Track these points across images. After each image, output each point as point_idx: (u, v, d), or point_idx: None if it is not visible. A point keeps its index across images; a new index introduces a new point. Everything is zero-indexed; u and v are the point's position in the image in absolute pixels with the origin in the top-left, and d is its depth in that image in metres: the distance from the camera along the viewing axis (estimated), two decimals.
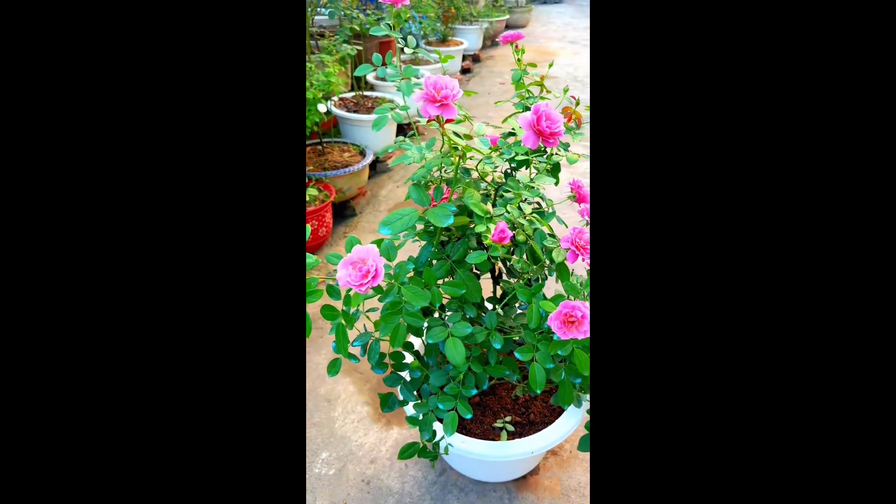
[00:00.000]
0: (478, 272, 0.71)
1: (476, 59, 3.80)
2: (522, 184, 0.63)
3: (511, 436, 0.87)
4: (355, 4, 2.29)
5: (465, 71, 3.52)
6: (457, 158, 0.55)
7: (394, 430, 1.14)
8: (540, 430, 0.87)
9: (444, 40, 3.29)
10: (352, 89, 2.50)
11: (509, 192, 0.64)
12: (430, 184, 0.67)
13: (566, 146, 0.85)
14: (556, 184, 0.85)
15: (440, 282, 0.61)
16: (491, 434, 0.88)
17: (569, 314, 0.52)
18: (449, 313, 0.59)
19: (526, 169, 0.79)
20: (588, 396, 0.83)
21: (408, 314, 0.52)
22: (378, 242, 0.54)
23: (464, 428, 0.89)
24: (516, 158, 0.80)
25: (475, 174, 0.69)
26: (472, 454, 0.81)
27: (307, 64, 1.72)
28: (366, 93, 2.35)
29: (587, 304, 0.53)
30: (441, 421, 0.74)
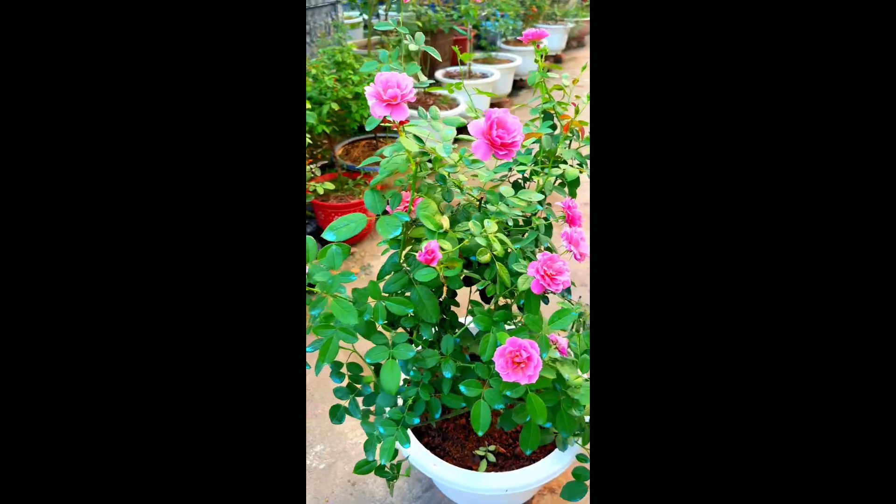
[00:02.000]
0: (454, 291, 0.65)
1: (557, 60, 3.65)
2: (504, 198, 0.57)
3: (491, 467, 0.81)
4: (429, 1, 2.28)
5: (546, 70, 3.39)
6: (414, 165, 0.50)
7: None
8: (524, 465, 0.80)
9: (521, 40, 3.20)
10: None
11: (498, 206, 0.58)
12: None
13: (585, 159, 0.76)
14: (574, 197, 0.76)
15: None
16: (470, 461, 0.82)
17: (515, 353, 0.46)
18: (398, 331, 0.55)
19: (538, 181, 0.72)
20: (577, 440, 0.75)
21: (341, 329, 0.49)
22: (325, 251, 0.51)
23: (442, 450, 0.83)
24: (520, 169, 0.73)
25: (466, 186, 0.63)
26: (442, 480, 0.76)
27: (364, 59, 1.74)
28: (432, 91, 2.35)
29: (536, 344, 0.46)
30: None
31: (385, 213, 0.52)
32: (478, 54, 2.85)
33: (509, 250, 0.53)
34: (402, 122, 0.47)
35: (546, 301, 0.75)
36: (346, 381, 0.63)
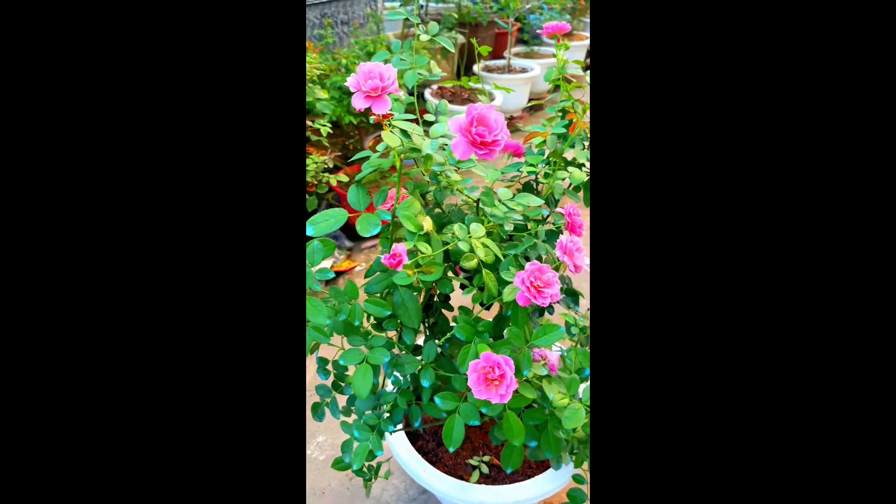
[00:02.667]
0: (447, 294, 0.62)
1: None
2: (501, 201, 0.53)
3: (483, 479, 0.78)
4: None
5: (587, 68, 3.28)
6: (399, 161, 0.47)
7: None
8: (517, 481, 0.76)
9: (568, 34, 3.10)
10: (457, 78, 2.47)
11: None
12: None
13: None
14: (587, 204, 0.72)
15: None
16: (461, 470, 0.79)
17: (487, 369, 0.42)
18: (382, 334, 0.52)
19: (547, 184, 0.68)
20: (572, 458, 0.70)
21: (314, 328, 0.47)
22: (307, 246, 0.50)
23: (435, 456, 0.81)
24: (529, 171, 0.69)
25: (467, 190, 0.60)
26: (431, 488, 0.74)
27: None
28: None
29: (511, 360, 0.42)
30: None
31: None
32: (520, 48, 2.78)
33: (502, 257, 0.49)
34: (385, 116, 0.44)
35: (551, 311, 0.71)
36: (330, 379, 0.62)
